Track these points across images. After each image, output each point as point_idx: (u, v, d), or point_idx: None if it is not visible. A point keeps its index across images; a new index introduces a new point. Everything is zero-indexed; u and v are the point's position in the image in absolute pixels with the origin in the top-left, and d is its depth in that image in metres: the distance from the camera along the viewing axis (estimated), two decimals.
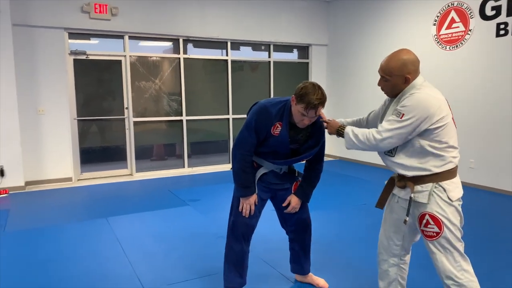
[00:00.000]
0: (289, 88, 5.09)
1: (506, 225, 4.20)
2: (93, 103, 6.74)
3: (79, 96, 6.49)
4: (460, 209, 2.00)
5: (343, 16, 7.99)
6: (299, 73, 8.37)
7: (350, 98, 7.87)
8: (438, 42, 6.10)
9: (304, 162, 2.55)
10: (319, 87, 2.18)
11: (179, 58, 7.12)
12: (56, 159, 6.24)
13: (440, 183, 1.97)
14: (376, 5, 7.18)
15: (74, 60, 6.36)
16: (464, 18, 5.70)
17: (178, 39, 7.07)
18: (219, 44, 7.53)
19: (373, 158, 7.09)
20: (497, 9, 5.29)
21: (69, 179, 6.36)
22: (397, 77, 2.02)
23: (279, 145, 2.33)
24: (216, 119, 7.65)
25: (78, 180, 6.54)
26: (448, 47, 5.97)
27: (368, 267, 3.04)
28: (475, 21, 5.56)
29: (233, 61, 7.65)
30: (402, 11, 6.70)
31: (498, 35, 5.32)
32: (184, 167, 7.39)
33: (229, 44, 7.53)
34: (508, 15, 5.18)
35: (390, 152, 2.07)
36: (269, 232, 3.65)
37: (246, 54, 7.86)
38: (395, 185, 2.17)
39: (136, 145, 6.96)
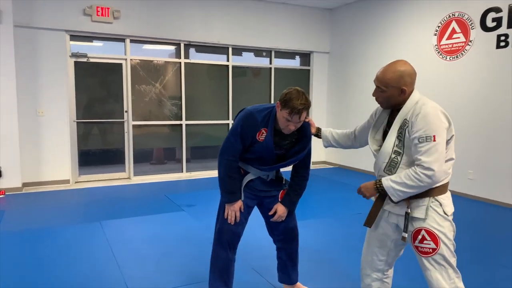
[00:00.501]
0: None
1: (503, 237, 4.15)
2: (93, 106, 6.77)
3: (79, 98, 6.51)
4: (453, 223, 1.97)
5: (345, 24, 8.00)
6: (300, 80, 8.37)
7: (351, 106, 7.85)
8: (438, 52, 6.09)
9: (290, 169, 2.54)
10: (303, 93, 2.20)
11: (180, 62, 7.14)
12: (54, 161, 6.25)
13: (436, 197, 1.93)
14: (378, 13, 7.18)
15: (75, 62, 6.39)
16: (465, 29, 5.69)
17: (180, 44, 7.09)
18: (221, 50, 7.55)
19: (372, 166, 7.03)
20: (498, 21, 5.27)
21: (67, 181, 6.37)
22: (393, 89, 1.98)
23: (264, 151, 2.34)
24: (216, 124, 7.65)
25: (76, 182, 6.55)
26: (448, 57, 5.95)
27: (358, 277, 3.00)
28: (476, 32, 5.54)
29: (234, 67, 7.66)
30: (404, 20, 6.69)
31: (498, 46, 5.29)
32: (182, 171, 7.39)
33: (230, 49, 7.55)
34: (508, 27, 5.16)
35: (390, 171, 2.00)
36: (262, 238, 3.62)
37: (247, 60, 7.87)
38: (385, 201, 2.07)
39: (135, 148, 6.97)
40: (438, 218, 1.91)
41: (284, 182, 2.57)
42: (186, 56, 7.23)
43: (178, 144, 7.40)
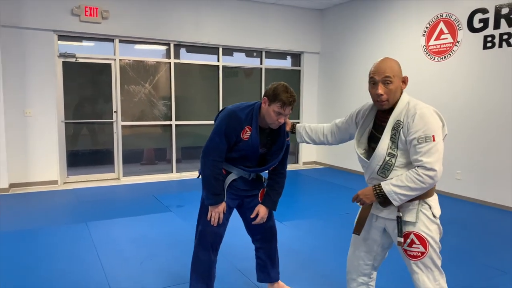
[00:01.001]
0: None
1: (489, 237, 4.18)
2: (82, 106, 6.72)
3: (68, 98, 6.47)
4: (440, 225, 1.96)
5: (335, 24, 8.02)
6: (291, 80, 8.37)
7: (341, 106, 7.87)
8: (427, 53, 6.12)
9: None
10: (289, 86, 2.29)
11: (170, 62, 7.12)
12: (42, 162, 6.20)
13: (425, 200, 1.92)
14: (367, 14, 7.21)
15: (63, 62, 6.35)
16: (452, 29, 5.72)
17: (169, 44, 7.07)
18: (212, 50, 7.53)
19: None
20: (485, 22, 5.31)
21: (55, 182, 6.32)
22: (398, 79, 1.93)
23: (249, 149, 2.33)
24: (206, 124, 7.63)
25: (65, 183, 6.51)
26: (436, 58, 5.98)
27: (344, 279, 3.01)
28: (463, 33, 5.58)
29: (224, 67, 7.65)
30: (393, 21, 6.72)
31: (485, 47, 5.33)
32: (172, 172, 7.37)
33: (220, 50, 7.54)
34: (495, 27, 5.20)
35: (383, 173, 1.96)
36: (246, 239, 3.61)
37: (238, 60, 7.86)
38: (373, 205, 2.04)
39: (124, 149, 6.94)
40: (427, 221, 1.91)
41: (263, 181, 2.56)
42: (176, 56, 7.20)
43: (168, 145, 7.37)
